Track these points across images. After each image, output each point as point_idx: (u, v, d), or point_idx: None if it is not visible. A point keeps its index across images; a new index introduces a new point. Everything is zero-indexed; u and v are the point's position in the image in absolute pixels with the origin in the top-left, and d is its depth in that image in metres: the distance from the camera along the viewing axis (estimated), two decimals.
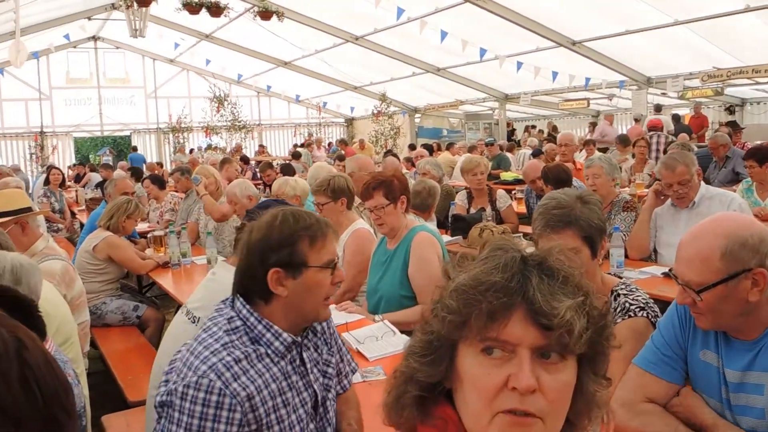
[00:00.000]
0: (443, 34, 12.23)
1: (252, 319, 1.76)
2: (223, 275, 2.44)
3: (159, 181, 7.55)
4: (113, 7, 16.05)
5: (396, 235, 3.47)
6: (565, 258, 1.01)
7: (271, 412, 1.69)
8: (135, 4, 11.58)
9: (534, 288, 0.94)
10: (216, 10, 11.55)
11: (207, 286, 2.58)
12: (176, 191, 7.59)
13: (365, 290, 3.69)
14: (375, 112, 19.63)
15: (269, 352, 1.75)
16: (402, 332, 2.99)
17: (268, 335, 1.75)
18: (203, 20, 13.40)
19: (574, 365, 0.98)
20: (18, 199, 3.44)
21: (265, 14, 12.25)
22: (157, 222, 7.12)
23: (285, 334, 1.77)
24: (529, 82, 15.09)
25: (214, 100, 20.30)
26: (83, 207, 9.28)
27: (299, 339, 1.83)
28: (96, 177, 12.08)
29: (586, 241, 2.16)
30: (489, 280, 0.96)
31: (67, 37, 17.64)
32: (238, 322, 1.75)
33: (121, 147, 23.71)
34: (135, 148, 20.16)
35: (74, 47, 19.76)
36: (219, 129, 20.71)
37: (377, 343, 2.90)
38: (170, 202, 7.36)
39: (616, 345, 1.02)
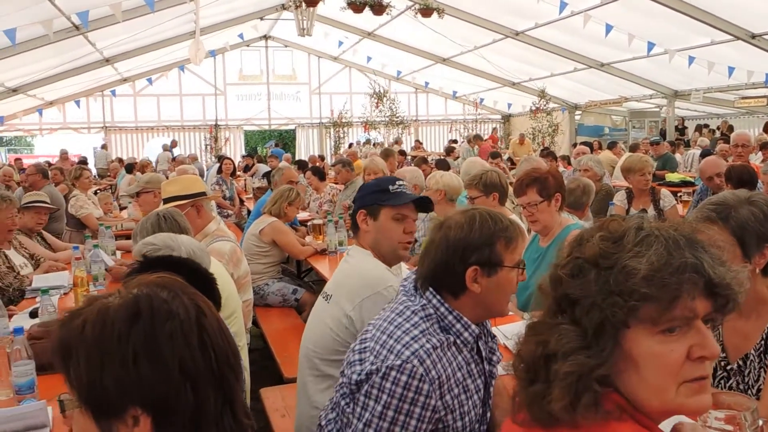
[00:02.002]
0: (608, 28, 11.70)
1: (442, 309, 1.84)
2: (355, 257, 2.59)
3: (319, 173, 7.90)
4: (283, 7, 16.98)
5: (549, 233, 3.41)
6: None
7: (454, 398, 1.79)
8: (303, 4, 12.17)
9: (707, 262, 0.99)
10: (379, 9, 11.86)
11: (341, 267, 2.71)
12: (336, 183, 7.90)
13: None
14: (533, 108, 19.19)
15: (458, 341, 1.84)
16: None
17: (458, 326, 1.84)
18: (366, 18, 13.79)
19: None
20: (195, 185, 3.76)
21: (426, 11, 12.39)
22: (316, 212, 7.46)
23: (473, 326, 1.86)
24: (701, 78, 14.04)
25: (374, 96, 20.84)
26: (251, 195, 9.92)
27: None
28: (263, 167, 12.86)
29: (738, 241, 1.99)
30: (677, 261, 0.99)
31: (241, 36, 18.91)
32: (431, 310, 1.85)
33: (286, 140, 25.03)
34: (277, 144, 21.27)
35: (247, 46, 21.14)
36: (377, 124, 21.25)
37: None
38: (329, 194, 7.68)
39: None
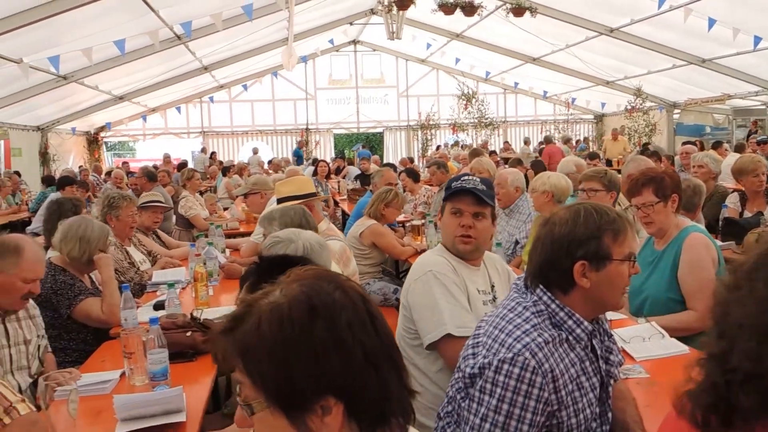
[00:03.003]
0: (711, 22, 11.20)
1: (553, 306, 1.85)
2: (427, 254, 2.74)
3: (414, 175, 7.95)
4: (372, 12, 17.19)
5: (665, 236, 3.31)
6: None
7: (568, 395, 1.78)
8: (394, 8, 12.26)
9: None
10: (470, 9, 11.81)
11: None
12: (430, 184, 7.92)
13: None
14: (628, 107, 18.58)
15: (570, 338, 1.83)
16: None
17: (570, 322, 1.84)
18: (454, 20, 13.76)
19: None
20: (307, 186, 3.89)
21: (519, 10, 12.24)
22: (411, 213, 7.51)
23: (586, 322, 1.85)
24: None
25: (462, 97, 20.75)
26: (345, 196, 10.08)
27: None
28: (354, 170, 13.05)
29: None
30: None
31: (331, 41, 19.28)
32: (542, 307, 1.85)
33: (372, 143, 25.30)
34: (364, 146, 21.53)
35: (336, 51, 21.54)
36: (466, 126, 21.14)
37: (644, 344, 2.85)
38: (424, 195, 7.71)
39: None
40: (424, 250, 5.16)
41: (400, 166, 7.92)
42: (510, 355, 1.74)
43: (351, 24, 18.39)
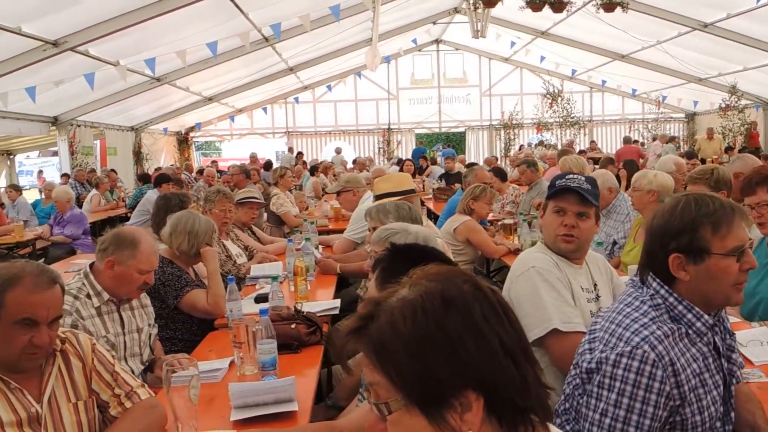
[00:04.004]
0: None
1: (671, 299, 1.78)
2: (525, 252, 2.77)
3: (501, 174, 7.85)
4: (456, 10, 17.11)
5: None
6: None
7: (691, 390, 1.72)
8: (480, 6, 12.15)
9: None
10: (559, 6, 11.54)
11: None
12: (518, 184, 7.80)
13: None
14: (722, 106, 17.75)
15: (690, 332, 1.77)
16: None
17: (689, 316, 1.77)
18: (540, 17, 13.51)
19: None
20: (406, 182, 3.91)
21: (610, 6, 11.88)
22: (499, 212, 7.42)
23: (706, 316, 1.77)
24: None
25: (548, 96, 20.38)
26: (429, 195, 10.07)
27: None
28: (437, 169, 13.02)
29: None
30: None
31: (414, 41, 19.32)
32: (659, 300, 1.80)
33: (453, 142, 25.17)
34: (448, 145, 21.40)
35: (419, 50, 21.58)
36: (551, 125, 20.75)
37: (763, 347, 2.74)
38: (512, 194, 7.61)
39: None
40: (518, 250, 5.11)
41: (486, 166, 7.83)
42: (628, 348, 1.70)
43: (434, 23, 18.38)
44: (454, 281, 1.08)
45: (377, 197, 3.91)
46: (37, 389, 2.07)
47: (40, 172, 22.06)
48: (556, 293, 2.43)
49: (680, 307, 1.77)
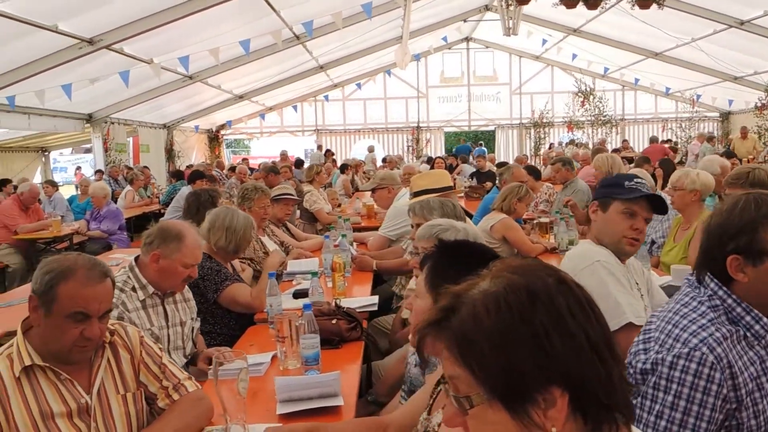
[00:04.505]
0: None
1: (729, 300, 1.74)
2: (575, 248, 2.83)
3: (535, 172, 7.78)
4: (486, 8, 17.02)
5: None
6: None
7: (748, 394, 1.67)
8: (513, 4, 12.05)
9: None
10: (593, 3, 11.38)
11: (562, 262, 2.83)
12: (552, 182, 7.72)
13: None
14: (758, 105, 17.41)
15: (747, 335, 1.72)
16: None
17: (748, 318, 1.72)
18: (572, 14, 13.37)
19: None
20: (443, 179, 3.90)
21: (645, 3, 11.68)
22: (532, 211, 7.35)
23: (765, 318, 1.72)
24: None
25: (579, 94, 20.17)
26: (461, 194, 10.03)
27: None
28: (468, 168, 12.95)
29: None
30: None
31: (444, 39, 19.25)
32: (717, 302, 1.75)
33: (482, 141, 25.04)
34: (479, 143, 21.31)
35: (449, 48, 21.52)
36: (582, 124, 20.53)
37: None
38: (546, 193, 7.53)
39: None
40: (554, 248, 5.07)
41: (517, 164, 7.79)
42: (686, 350, 1.66)
43: (464, 21, 18.30)
44: (538, 274, 1.05)
45: (415, 194, 3.90)
46: (86, 381, 2.10)
47: (78, 168, 22.38)
48: (622, 287, 2.46)
49: (739, 309, 1.72)
